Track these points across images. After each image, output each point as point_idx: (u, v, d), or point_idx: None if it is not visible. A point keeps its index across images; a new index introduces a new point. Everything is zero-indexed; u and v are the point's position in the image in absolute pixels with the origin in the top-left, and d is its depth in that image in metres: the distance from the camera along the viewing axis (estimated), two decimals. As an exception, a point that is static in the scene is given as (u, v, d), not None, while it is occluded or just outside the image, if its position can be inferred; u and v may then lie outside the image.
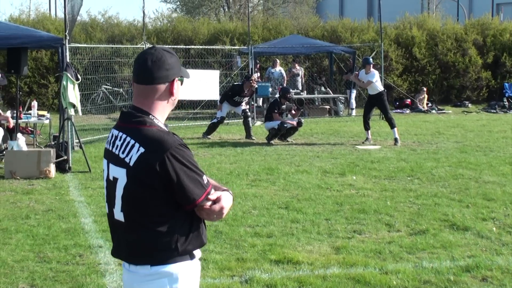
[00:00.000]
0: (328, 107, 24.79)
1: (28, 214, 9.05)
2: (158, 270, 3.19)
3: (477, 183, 11.14)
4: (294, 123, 16.62)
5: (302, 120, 17.06)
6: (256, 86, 18.95)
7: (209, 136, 17.55)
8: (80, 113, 13.86)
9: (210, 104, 22.29)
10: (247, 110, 17.90)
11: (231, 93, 17.89)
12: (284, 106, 16.88)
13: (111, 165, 3.29)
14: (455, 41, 29.64)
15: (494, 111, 26.32)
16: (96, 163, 12.84)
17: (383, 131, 18.38)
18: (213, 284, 6.27)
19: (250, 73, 19.57)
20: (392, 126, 16.33)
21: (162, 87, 3.25)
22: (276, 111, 16.70)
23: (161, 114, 3.28)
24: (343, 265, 6.81)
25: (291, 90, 17.81)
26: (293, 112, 17.01)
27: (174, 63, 3.28)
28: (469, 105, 28.24)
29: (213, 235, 7.85)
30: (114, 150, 3.27)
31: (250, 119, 17.95)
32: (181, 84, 3.36)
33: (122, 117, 3.34)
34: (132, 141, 3.17)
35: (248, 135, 17.50)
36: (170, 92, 3.28)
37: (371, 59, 17.22)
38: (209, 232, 7.87)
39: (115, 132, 3.32)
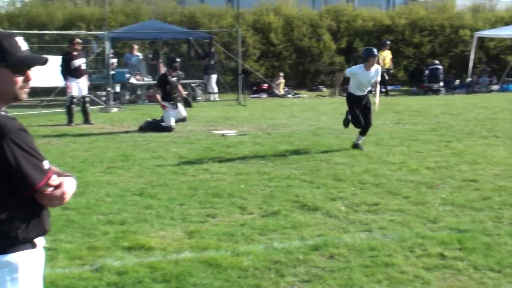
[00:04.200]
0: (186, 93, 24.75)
1: None
2: (-3, 259, 3.08)
3: (328, 164, 11.49)
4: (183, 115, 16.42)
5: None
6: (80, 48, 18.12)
7: (73, 124, 17.13)
8: None
9: (64, 91, 21.70)
10: (86, 96, 17.63)
11: (62, 58, 17.47)
12: (174, 79, 16.32)
13: None
14: (310, 27, 30.36)
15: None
16: None
17: (240, 115, 18.57)
18: (63, 273, 6.12)
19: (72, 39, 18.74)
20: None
21: None
22: (159, 84, 16.23)
23: None
24: (196, 249, 6.84)
25: (177, 59, 16.89)
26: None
27: None
28: (323, 89, 29.06)
29: (64, 224, 7.68)
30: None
31: (88, 104, 17.78)
32: (14, 73, 3.19)
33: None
34: (-30, 126, 3.04)
35: (86, 120, 17.48)
36: None
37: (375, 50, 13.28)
38: (60, 221, 7.71)
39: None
